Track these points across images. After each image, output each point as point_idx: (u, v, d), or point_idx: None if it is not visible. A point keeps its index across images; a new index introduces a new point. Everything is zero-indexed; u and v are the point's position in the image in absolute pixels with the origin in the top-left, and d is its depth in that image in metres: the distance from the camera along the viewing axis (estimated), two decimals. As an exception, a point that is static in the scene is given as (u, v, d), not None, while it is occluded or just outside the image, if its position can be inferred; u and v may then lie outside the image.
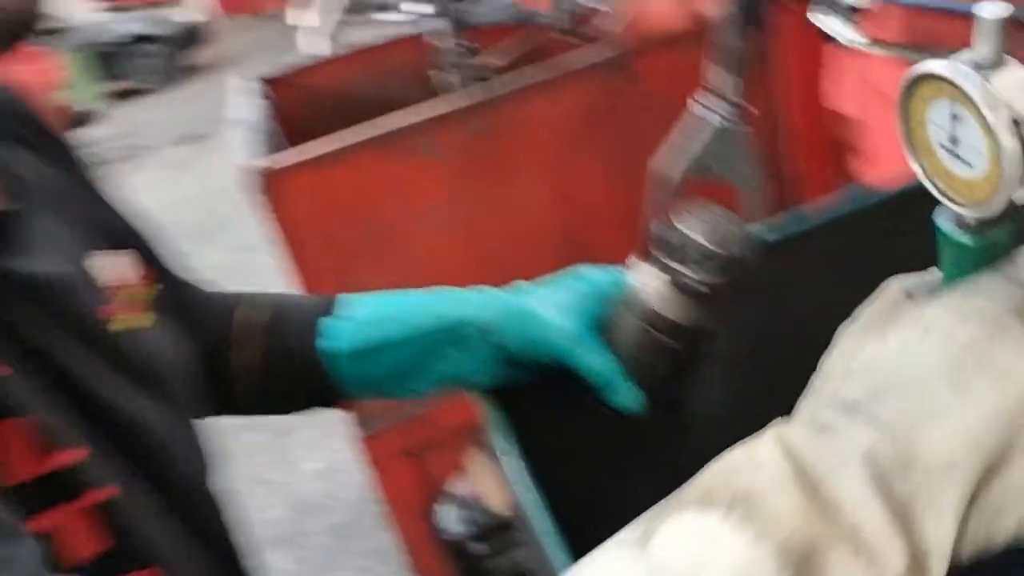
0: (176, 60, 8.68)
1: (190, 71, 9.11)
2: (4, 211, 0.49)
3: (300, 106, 2.08)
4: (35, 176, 0.54)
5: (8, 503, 0.39)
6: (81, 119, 6.20)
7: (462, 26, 1.66)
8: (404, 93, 2.14)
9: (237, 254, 3.87)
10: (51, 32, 7.48)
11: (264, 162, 1.36)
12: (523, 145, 1.50)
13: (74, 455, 0.44)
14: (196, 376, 0.59)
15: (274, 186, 1.34)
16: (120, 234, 0.59)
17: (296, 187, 1.36)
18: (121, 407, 0.50)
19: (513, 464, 0.53)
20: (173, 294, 0.61)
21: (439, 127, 1.45)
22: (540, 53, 1.69)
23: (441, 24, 1.67)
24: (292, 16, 3.27)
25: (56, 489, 0.43)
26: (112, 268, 0.55)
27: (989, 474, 0.33)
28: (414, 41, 1.96)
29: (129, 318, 0.54)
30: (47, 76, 5.75)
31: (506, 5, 2.17)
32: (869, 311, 0.39)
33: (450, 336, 0.60)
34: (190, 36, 8.74)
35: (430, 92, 1.71)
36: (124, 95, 8.30)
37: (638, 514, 0.36)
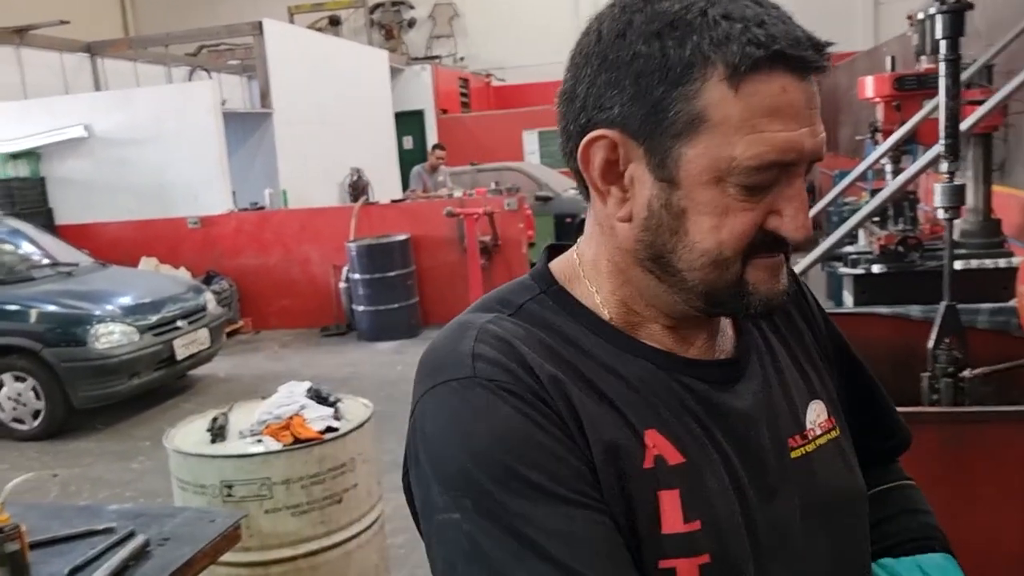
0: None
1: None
2: (728, 359, 0.73)
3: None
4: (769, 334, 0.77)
5: (650, 545, 0.63)
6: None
7: (953, 328, 1.71)
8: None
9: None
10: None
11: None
12: (993, 468, 1.54)
13: (692, 526, 0.65)
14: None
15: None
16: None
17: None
18: (761, 513, 0.68)
19: None
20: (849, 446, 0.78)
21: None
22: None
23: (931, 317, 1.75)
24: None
25: (680, 545, 0.64)
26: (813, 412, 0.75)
27: None
28: (897, 322, 2.04)
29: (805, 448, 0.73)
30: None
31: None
32: None
33: None
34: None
35: (902, 373, 1.75)
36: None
37: None
